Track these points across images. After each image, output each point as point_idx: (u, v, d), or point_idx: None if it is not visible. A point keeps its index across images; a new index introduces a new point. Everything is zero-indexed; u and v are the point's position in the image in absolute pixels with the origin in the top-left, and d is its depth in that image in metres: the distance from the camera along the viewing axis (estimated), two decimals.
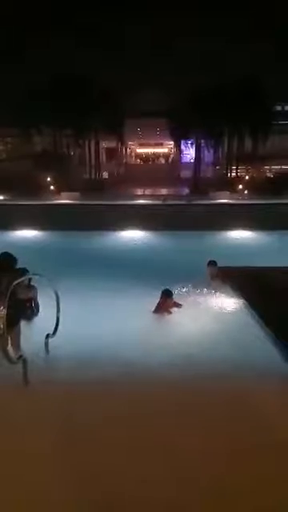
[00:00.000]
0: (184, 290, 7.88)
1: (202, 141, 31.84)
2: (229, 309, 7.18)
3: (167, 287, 6.98)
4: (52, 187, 25.81)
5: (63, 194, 24.18)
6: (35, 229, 15.11)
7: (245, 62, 27.95)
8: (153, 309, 6.85)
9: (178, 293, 7.57)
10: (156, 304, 6.88)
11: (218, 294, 7.84)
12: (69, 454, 3.40)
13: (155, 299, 7.27)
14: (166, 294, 6.94)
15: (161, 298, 6.94)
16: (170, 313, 6.86)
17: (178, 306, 7.04)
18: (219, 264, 8.45)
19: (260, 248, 12.85)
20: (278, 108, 33.86)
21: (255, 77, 27.05)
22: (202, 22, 31.38)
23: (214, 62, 28.62)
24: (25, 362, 4.09)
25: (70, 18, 31.04)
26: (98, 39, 30.95)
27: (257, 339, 5.74)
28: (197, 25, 31.46)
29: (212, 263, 8.44)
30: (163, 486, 3.05)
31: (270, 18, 30.31)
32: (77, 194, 24.19)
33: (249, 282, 7.97)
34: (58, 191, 25.12)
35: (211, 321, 6.55)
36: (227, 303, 7.40)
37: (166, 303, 6.89)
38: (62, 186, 26.05)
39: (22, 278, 4.81)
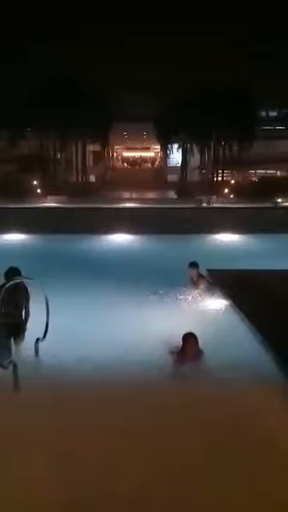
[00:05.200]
0: (171, 292, 7.90)
1: (189, 145, 32.14)
2: (216, 311, 7.22)
3: (189, 332, 5.27)
4: (38, 190, 25.58)
5: (50, 198, 24.01)
6: (21, 232, 14.96)
7: (231, 67, 28.36)
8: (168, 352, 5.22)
9: (164, 295, 7.61)
10: (174, 354, 5.25)
11: (203, 296, 7.85)
12: (59, 458, 3.38)
13: (141, 302, 7.27)
14: (187, 340, 5.17)
15: (182, 344, 5.18)
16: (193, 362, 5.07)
17: (200, 353, 5.26)
18: (208, 267, 8.44)
19: (246, 251, 13.00)
20: (263, 113, 34.52)
21: (241, 82, 27.51)
22: (191, 26, 31.72)
23: (201, 66, 28.96)
24: (15, 367, 4.06)
25: (63, 22, 30.98)
26: (88, 42, 30.96)
27: (245, 342, 5.80)
28: (186, 28, 31.78)
29: (193, 265, 8.09)
30: (161, 487, 3.06)
31: (264, 22, 30.80)
32: (63, 197, 24.06)
33: (236, 284, 8.02)
34: (45, 194, 24.93)
35: (198, 324, 6.57)
36: (214, 306, 7.43)
37: (187, 350, 5.13)
38: (49, 190, 25.88)
39: (11, 282, 4.78)
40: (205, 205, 20.22)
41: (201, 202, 20.46)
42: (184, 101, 27.48)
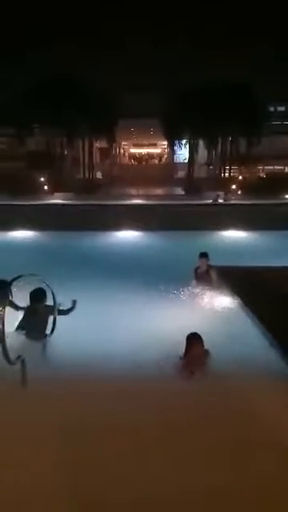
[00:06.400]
0: (178, 288, 7.89)
1: (196, 141, 31.95)
2: (222, 308, 7.20)
3: (193, 332, 5.02)
4: (46, 187, 25.72)
5: (57, 194, 24.14)
6: (28, 229, 15.04)
7: (238, 63, 28.07)
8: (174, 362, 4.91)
9: (170, 292, 7.61)
10: (180, 360, 4.94)
11: (212, 287, 7.85)
12: (67, 453, 3.40)
13: (148, 298, 7.27)
14: (192, 341, 4.90)
15: (186, 345, 4.92)
16: (197, 368, 4.78)
17: (207, 355, 4.97)
18: (214, 263, 8.41)
19: (254, 248, 12.92)
20: (271, 109, 34.13)
21: (248, 78, 27.24)
22: (196, 23, 31.43)
23: (207, 62, 28.70)
24: (23, 362, 4.10)
25: (67, 18, 30.89)
26: (93, 39, 30.86)
27: (253, 339, 5.78)
28: (192, 25, 31.51)
29: (203, 255, 8.14)
30: (163, 487, 3.07)
31: (266, 18, 30.40)
32: (70, 194, 24.17)
33: (242, 280, 7.99)
34: (52, 191, 25.06)
35: (206, 319, 6.56)
36: (220, 302, 7.41)
37: (193, 352, 4.88)
38: (56, 186, 25.99)
39: (16, 277, 4.77)
40: (221, 201, 20.17)
41: (217, 197, 20.38)
42: (191, 96, 27.29)
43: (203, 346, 4.91)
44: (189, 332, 5.06)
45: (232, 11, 30.81)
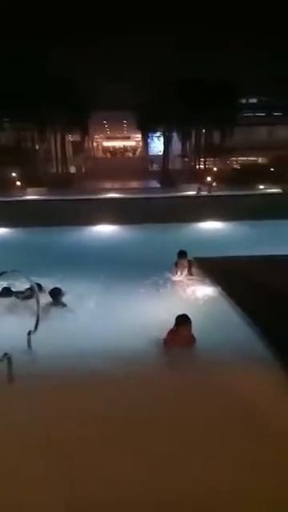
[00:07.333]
0: (159, 281, 7.94)
1: (170, 133, 32.02)
2: (205, 297, 7.29)
3: (183, 313, 5.25)
4: (18, 183, 25.07)
5: (29, 190, 23.61)
6: (1, 226, 14.67)
7: (212, 56, 28.22)
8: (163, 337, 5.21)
9: (151, 284, 7.65)
10: (167, 333, 5.20)
11: (192, 283, 7.94)
12: (54, 448, 3.39)
13: (132, 290, 7.29)
14: (181, 322, 5.16)
15: (175, 325, 5.19)
16: (184, 347, 5.06)
17: (192, 339, 5.19)
18: (193, 255, 8.51)
19: (229, 238, 13.11)
20: (243, 101, 34.62)
21: (221, 69, 27.47)
22: (170, 14, 31.33)
23: (180, 54, 28.69)
24: (9, 360, 4.04)
25: (40, 12, 30.04)
26: (65, 31, 30.15)
27: (233, 326, 5.90)
28: (165, 17, 31.37)
29: (182, 253, 8.24)
30: (156, 477, 3.09)
31: (237, 5, 30.62)
32: (44, 189, 23.72)
33: (222, 270, 8.11)
34: (25, 187, 24.48)
35: (188, 309, 6.62)
36: (202, 292, 7.50)
37: (180, 332, 5.13)
38: (29, 182, 25.40)
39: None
40: (204, 193, 20.38)
41: (199, 190, 20.61)
42: (164, 89, 27.28)
43: (191, 328, 5.09)
44: (172, 319, 5.18)
45: (205, 3, 30.91)
